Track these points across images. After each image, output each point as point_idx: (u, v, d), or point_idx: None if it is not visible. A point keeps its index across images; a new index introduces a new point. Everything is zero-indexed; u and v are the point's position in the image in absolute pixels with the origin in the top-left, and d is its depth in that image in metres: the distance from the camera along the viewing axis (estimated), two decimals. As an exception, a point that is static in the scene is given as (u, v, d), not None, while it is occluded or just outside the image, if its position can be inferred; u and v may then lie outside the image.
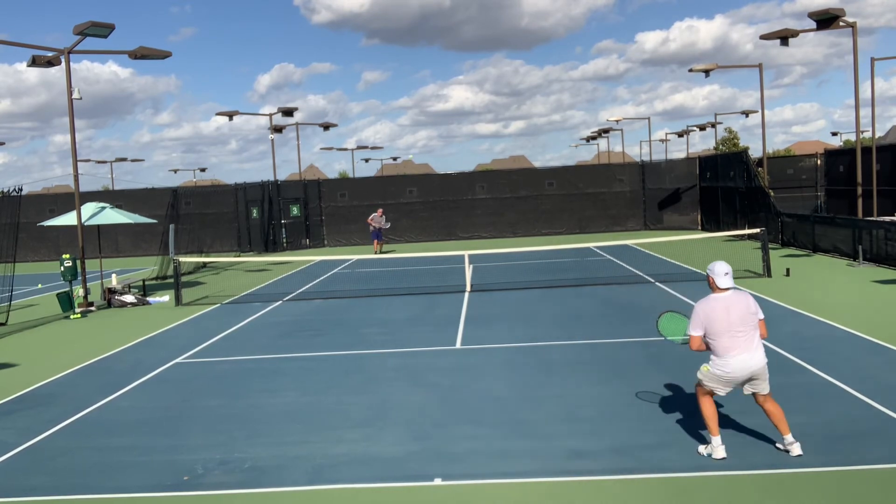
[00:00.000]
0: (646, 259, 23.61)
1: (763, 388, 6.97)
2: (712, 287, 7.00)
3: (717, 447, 6.97)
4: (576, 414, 8.55)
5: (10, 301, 17.58)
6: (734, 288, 7.02)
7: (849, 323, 12.47)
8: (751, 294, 7.11)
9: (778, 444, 7.13)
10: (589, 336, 12.76)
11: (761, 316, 7.01)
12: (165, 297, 19.83)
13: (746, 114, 51.83)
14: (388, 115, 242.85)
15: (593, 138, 73.06)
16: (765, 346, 11.07)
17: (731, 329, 6.79)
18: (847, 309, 13.74)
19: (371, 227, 30.86)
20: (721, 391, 6.99)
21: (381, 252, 29.93)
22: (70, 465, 7.72)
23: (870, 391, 8.71)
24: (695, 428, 7.84)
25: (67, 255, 18.21)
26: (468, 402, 9.23)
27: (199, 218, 32.32)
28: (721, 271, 6.95)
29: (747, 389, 7.01)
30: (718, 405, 7.68)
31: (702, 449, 7.13)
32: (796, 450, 6.92)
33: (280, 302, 18.31)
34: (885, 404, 8.22)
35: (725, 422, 7.95)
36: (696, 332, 6.92)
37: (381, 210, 31.55)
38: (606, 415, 8.46)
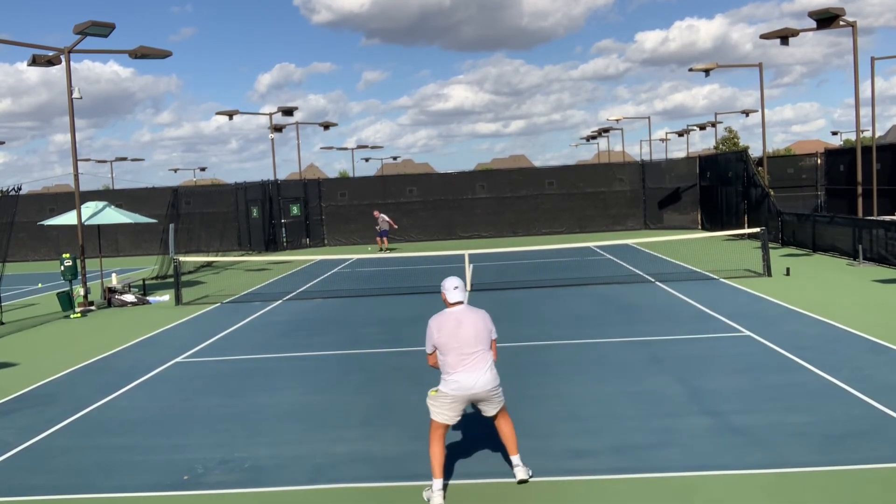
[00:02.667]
0: (646, 258, 23.60)
1: (489, 410, 6.59)
2: (445, 303, 6.65)
3: (436, 491, 6.33)
4: (576, 413, 8.55)
5: (0, 300, 17.46)
6: (465, 304, 6.65)
7: (849, 322, 12.47)
8: (484, 313, 6.65)
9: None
10: (589, 336, 12.75)
11: (495, 336, 6.63)
12: (165, 297, 19.82)
13: (746, 113, 51.84)
14: (388, 114, 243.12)
15: (593, 138, 73.09)
16: (765, 344, 11.23)
17: (460, 346, 6.39)
18: (847, 308, 13.74)
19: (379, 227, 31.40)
20: (449, 416, 6.46)
21: (380, 250, 30.33)
22: (70, 465, 7.72)
23: (870, 390, 8.71)
24: (695, 428, 7.84)
25: (67, 255, 18.20)
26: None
27: (200, 217, 32.33)
28: (451, 286, 6.60)
29: (481, 410, 6.63)
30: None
31: (425, 493, 6.50)
32: (521, 473, 6.55)
33: (280, 301, 18.31)
34: (885, 404, 8.21)
35: (724, 420, 7.96)
36: (428, 348, 6.60)
37: (376, 211, 31.92)
38: (606, 414, 8.46)
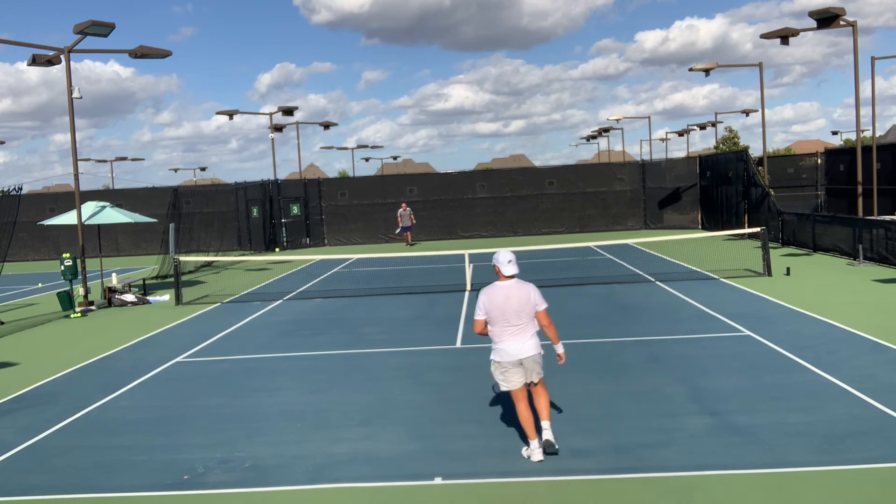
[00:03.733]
0: (646, 258, 23.61)
1: (533, 377, 7.19)
2: (498, 275, 7.18)
3: (534, 450, 7.09)
4: (576, 413, 8.56)
5: None
6: (518, 277, 7.22)
7: (849, 322, 12.47)
8: (532, 287, 7.25)
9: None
10: (589, 335, 12.76)
11: (543, 306, 7.17)
12: (166, 297, 19.83)
13: (746, 113, 51.83)
14: (388, 114, 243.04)
15: (593, 137, 73.07)
16: (765, 344, 11.24)
17: (506, 317, 7.01)
18: (847, 308, 13.74)
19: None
20: (515, 381, 7.11)
21: (409, 244, 33.61)
22: (70, 465, 7.73)
23: (870, 390, 8.71)
24: (695, 427, 7.85)
25: (67, 255, 18.20)
26: (468, 400, 9.23)
27: (200, 217, 32.35)
28: (505, 259, 7.15)
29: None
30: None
31: (524, 451, 7.25)
32: (547, 434, 7.14)
33: (280, 301, 18.31)
34: (885, 403, 8.22)
35: (724, 420, 7.96)
36: (478, 316, 7.14)
37: (404, 205, 34.18)
38: (607, 414, 8.46)
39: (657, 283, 18.19)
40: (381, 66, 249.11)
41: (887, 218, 20.76)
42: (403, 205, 34.10)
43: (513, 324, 7.04)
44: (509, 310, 7.02)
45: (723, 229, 29.18)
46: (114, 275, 21.46)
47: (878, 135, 34.63)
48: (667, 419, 8.15)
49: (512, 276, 7.15)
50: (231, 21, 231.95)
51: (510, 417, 8.45)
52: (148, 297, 19.74)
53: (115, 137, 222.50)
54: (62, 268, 18.01)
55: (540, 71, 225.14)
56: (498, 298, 7.05)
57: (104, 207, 20.46)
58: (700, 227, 34.47)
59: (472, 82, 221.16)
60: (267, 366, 11.69)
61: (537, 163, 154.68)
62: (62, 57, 19.17)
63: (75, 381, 11.36)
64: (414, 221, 33.87)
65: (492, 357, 7.18)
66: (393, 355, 11.95)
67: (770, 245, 19.78)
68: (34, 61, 19.35)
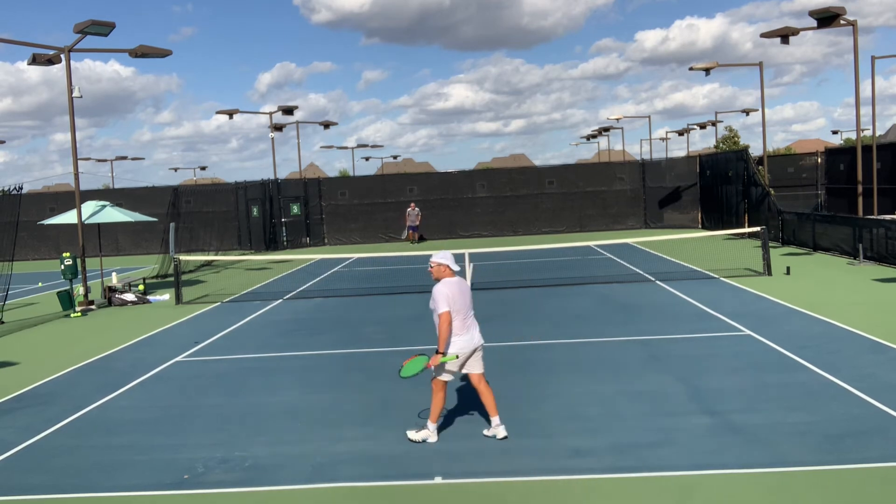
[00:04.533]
0: (646, 257, 23.60)
1: (479, 367, 7.77)
2: (443, 274, 7.75)
3: (432, 432, 7.70)
4: (576, 412, 8.55)
5: (5, 299, 17.51)
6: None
7: (849, 321, 12.47)
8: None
9: (485, 431, 7.83)
10: (589, 335, 12.76)
11: None
12: (166, 296, 19.83)
13: (747, 112, 51.84)
14: (388, 113, 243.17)
15: (593, 137, 73.05)
16: (765, 343, 11.27)
17: (465, 310, 7.63)
18: (847, 307, 13.74)
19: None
20: (454, 374, 7.66)
21: (413, 241, 34.51)
22: (70, 464, 7.72)
23: (870, 389, 8.71)
24: (695, 427, 7.84)
25: (68, 254, 18.20)
26: (468, 400, 9.22)
27: (200, 216, 32.35)
28: (451, 258, 7.84)
29: (466, 368, 7.73)
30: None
31: (412, 434, 7.78)
32: (501, 432, 7.67)
33: (280, 300, 18.30)
34: (885, 403, 8.22)
35: (724, 420, 7.96)
36: (445, 308, 7.49)
37: (413, 204, 35.04)
38: (607, 413, 8.46)
39: (657, 282, 18.19)
40: (381, 65, 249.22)
41: (887, 217, 20.76)
42: (412, 204, 34.84)
43: (469, 315, 7.69)
44: (467, 302, 7.68)
45: (723, 229, 29.16)
46: (114, 274, 21.46)
47: (878, 134, 34.62)
48: (667, 419, 8.15)
49: (456, 273, 7.77)
50: (231, 21, 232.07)
51: (510, 417, 8.45)
52: (148, 297, 19.73)
53: (115, 137, 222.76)
54: (62, 267, 18.01)
55: (540, 70, 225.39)
56: (456, 292, 7.60)
57: (104, 207, 20.45)
58: (700, 226, 34.47)
59: (472, 82, 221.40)
60: (267, 365, 11.69)
61: (537, 162, 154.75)
62: (62, 56, 19.16)
63: (75, 380, 11.36)
64: (418, 224, 34.70)
65: (451, 350, 7.54)
66: (393, 355, 11.94)
67: (770, 244, 19.78)
68: (34, 60, 19.34)
